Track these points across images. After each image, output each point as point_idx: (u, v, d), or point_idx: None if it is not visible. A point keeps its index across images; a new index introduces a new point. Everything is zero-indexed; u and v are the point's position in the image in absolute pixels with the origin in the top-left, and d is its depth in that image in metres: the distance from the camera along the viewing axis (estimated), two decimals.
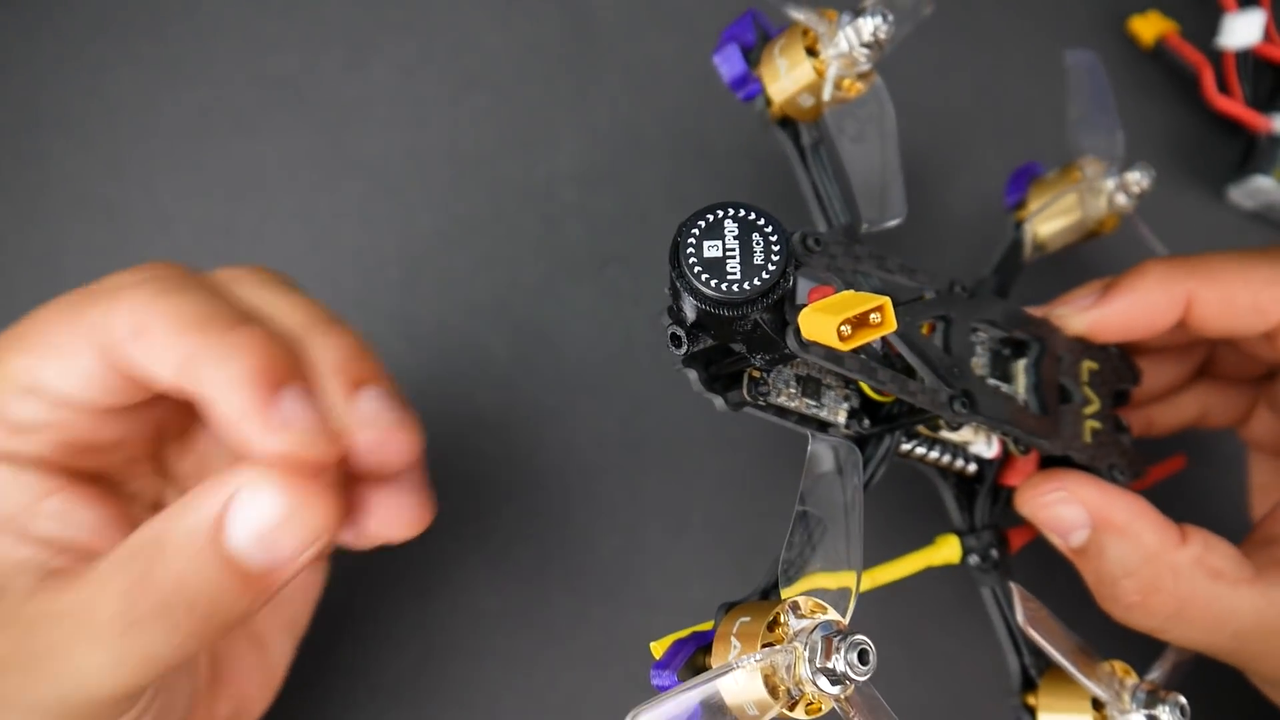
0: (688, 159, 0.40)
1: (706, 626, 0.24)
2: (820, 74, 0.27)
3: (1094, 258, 0.38)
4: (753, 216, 0.23)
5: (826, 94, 0.27)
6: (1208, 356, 0.34)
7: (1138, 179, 0.32)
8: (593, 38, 0.41)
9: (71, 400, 0.24)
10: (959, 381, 0.26)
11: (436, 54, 0.41)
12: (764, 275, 0.22)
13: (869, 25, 0.26)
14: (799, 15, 0.27)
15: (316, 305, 0.25)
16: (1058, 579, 0.30)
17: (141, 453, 0.28)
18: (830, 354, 0.24)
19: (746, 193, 0.40)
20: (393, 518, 0.26)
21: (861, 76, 0.27)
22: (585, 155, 0.40)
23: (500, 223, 0.39)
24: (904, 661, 0.35)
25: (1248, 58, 0.41)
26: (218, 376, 0.22)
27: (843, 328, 0.22)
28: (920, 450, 0.29)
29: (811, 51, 0.27)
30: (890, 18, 0.26)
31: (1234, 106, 0.41)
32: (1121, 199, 0.32)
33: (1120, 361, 0.31)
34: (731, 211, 0.23)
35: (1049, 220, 0.33)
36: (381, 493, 0.25)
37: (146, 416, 0.27)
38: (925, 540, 0.30)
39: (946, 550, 0.29)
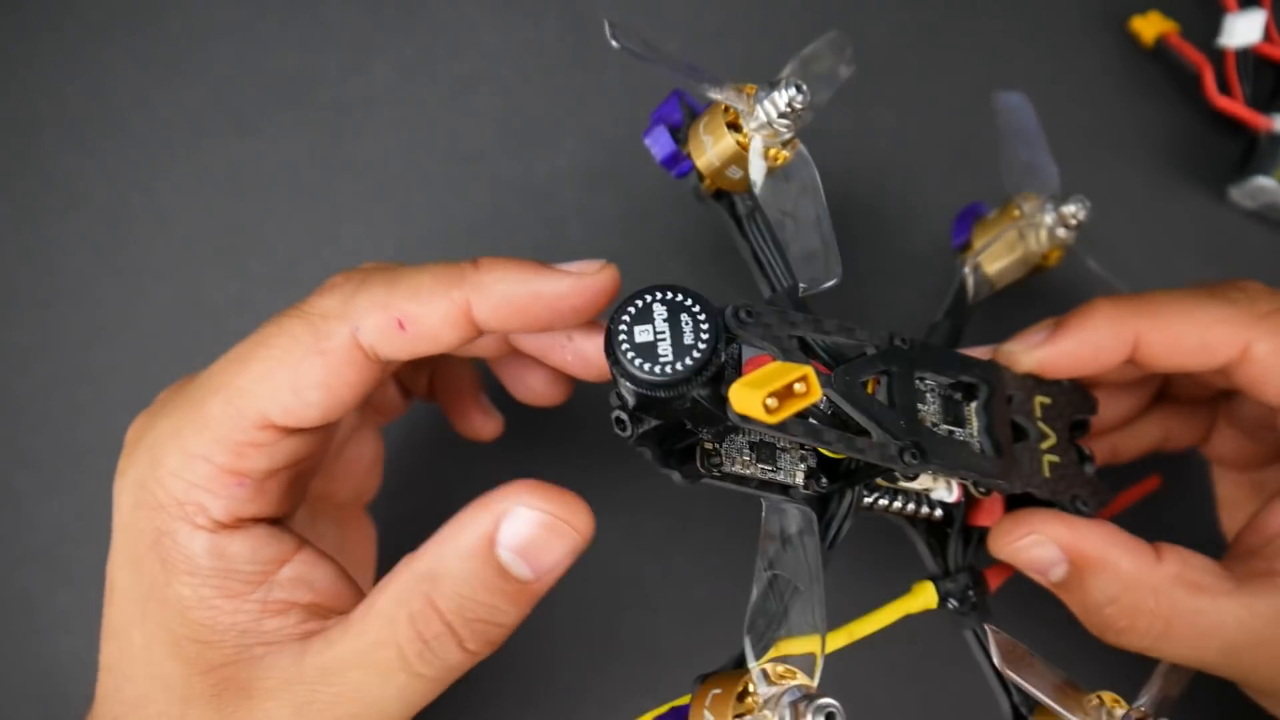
0: None
1: (684, 701, 0.25)
2: (744, 147, 0.28)
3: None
4: (679, 298, 0.24)
5: (753, 166, 0.28)
6: (1165, 380, 0.34)
7: (1073, 211, 0.32)
8: (593, 38, 0.41)
9: (438, 335, 0.26)
10: (908, 433, 0.27)
11: (436, 54, 0.41)
12: (695, 355, 0.23)
13: (783, 98, 0.27)
14: (716, 95, 0.28)
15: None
16: (1043, 612, 0.30)
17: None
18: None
19: None
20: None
21: (786, 144, 0.28)
22: (585, 155, 0.40)
23: (500, 223, 0.39)
24: (906, 661, 0.35)
25: (1248, 57, 0.41)
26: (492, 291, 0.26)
27: (769, 401, 0.22)
28: (883, 502, 0.29)
29: (734, 126, 0.28)
30: (805, 88, 0.27)
31: (1235, 106, 0.41)
32: (1061, 232, 0.32)
33: (1074, 393, 0.31)
34: (659, 295, 0.24)
35: (993, 260, 0.33)
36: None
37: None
38: (905, 588, 0.30)
39: (923, 597, 0.30)
